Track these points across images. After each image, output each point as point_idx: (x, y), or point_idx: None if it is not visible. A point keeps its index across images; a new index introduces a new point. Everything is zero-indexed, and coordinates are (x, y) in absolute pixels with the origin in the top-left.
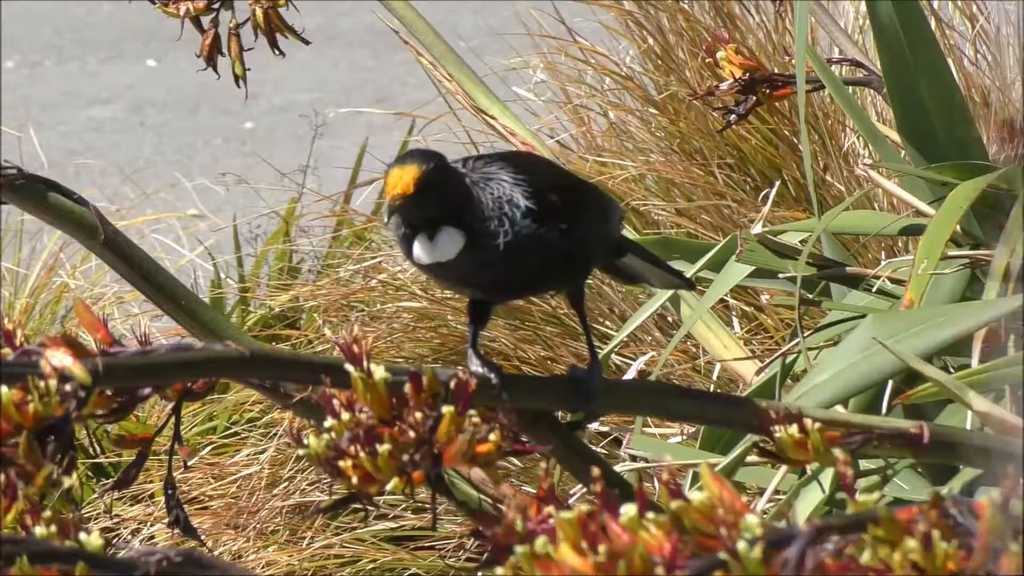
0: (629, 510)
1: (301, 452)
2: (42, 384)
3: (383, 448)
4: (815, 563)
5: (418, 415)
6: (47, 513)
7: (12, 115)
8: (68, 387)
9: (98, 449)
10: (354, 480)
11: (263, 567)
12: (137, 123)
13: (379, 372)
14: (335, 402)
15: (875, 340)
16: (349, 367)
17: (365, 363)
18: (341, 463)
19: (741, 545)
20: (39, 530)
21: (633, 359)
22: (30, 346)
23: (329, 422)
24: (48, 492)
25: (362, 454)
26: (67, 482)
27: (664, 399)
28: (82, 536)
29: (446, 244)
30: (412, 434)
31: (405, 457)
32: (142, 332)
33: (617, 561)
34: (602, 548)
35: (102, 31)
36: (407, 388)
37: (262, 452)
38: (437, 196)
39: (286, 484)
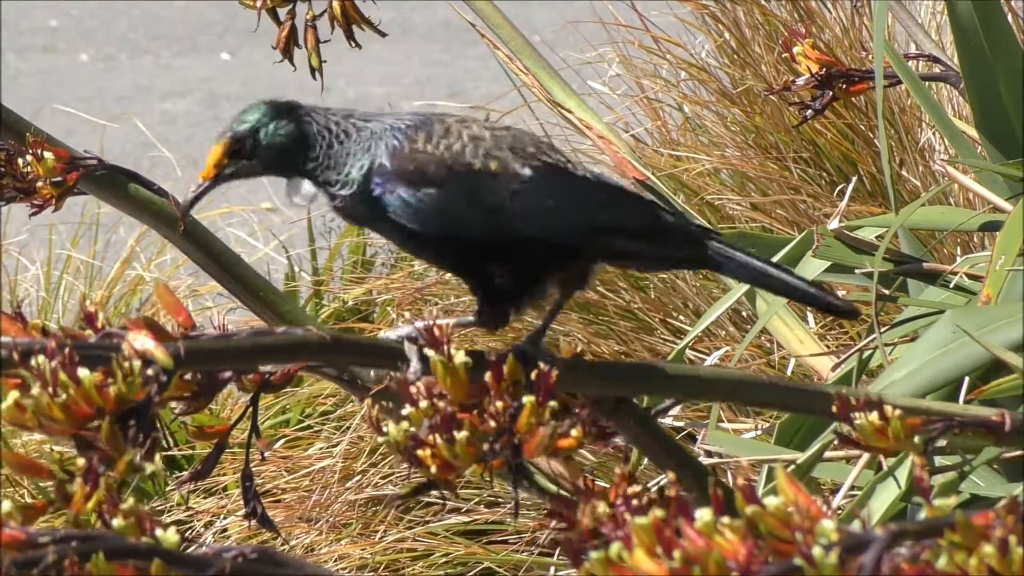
0: (704, 515)
1: (381, 440)
2: (125, 365)
3: (461, 436)
4: (891, 568)
5: (499, 404)
6: (125, 505)
7: (87, 108)
8: (150, 371)
9: (171, 441)
10: (433, 469)
11: (336, 560)
12: (211, 116)
13: (459, 356)
14: (413, 389)
15: (954, 335)
16: (429, 351)
17: (446, 348)
18: (420, 452)
19: (817, 550)
20: (117, 522)
21: (708, 354)
22: (112, 329)
23: (408, 410)
24: (130, 478)
25: (440, 442)
26: (149, 467)
27: (746, 387)
28: (158, 532)
29: (302, 188)
30: (492, 423)
31: (485, 446)
32: (219, 324)
33: (692, 566)
34: (677, 553)
35: (176, 25)
36: (487, 376)
37: (335, 446)
38: (253, 162)
39: (359, 478)
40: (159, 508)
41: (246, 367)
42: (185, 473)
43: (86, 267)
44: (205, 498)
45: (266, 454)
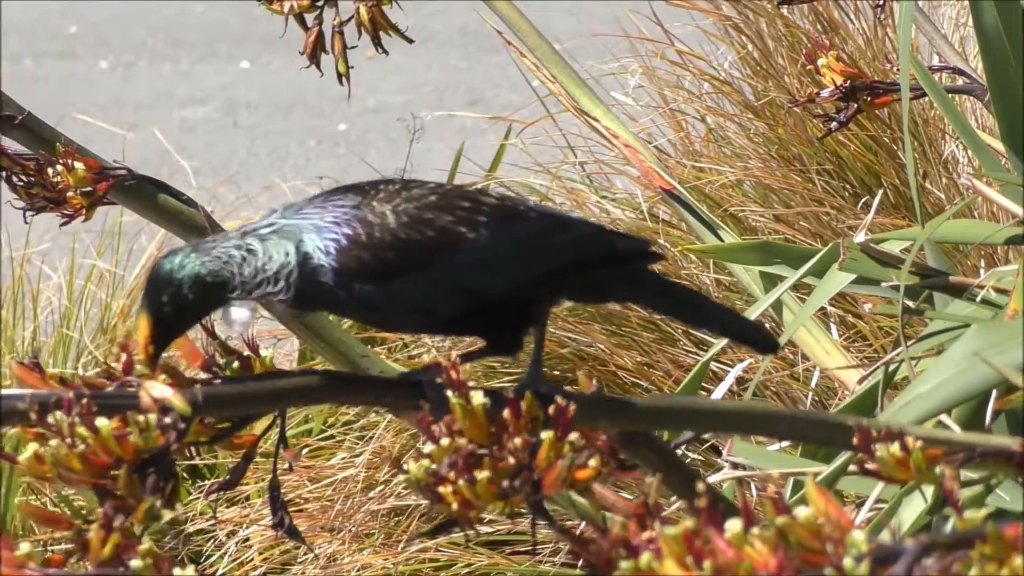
0: (734, 525)
1: (401, 478)
2: (140, 419)
3: (482, 476)
4: None
5: (517, 441)
6: (143, 547)
7: (105, 116)
8: (168, 419)
9: (194, 451)
10: (454, 506)
11: (359, 570)
12: (231, 124)
13: (477, 398)
14: (435, 427)
15: (981, 348)
16: (448, 393)
17: (464, 390)
18: (441, 489)
19: (847, 561)
20: (135, 563)
21: (731, 366)
22: (129, 377)
23: (428, 447)
24: (148, 525)
25: (461, 482)
26: (167, 515)
27: (765, 420)
28: (176, 571)
29: (234, 316)
30: (512, 460)
31: (505, 483)
32: (249, 339)
33: None
34: (707, 563)
35: (195, 32)
36: (506, 413)
37: (358, 455)
38: (176, 321)
39: (382, 487)
40: (182, 517)
41: (262, 411)
42: (209, 482)
43: (108, 276)
44: (228, 507)
45: (292, 464)
